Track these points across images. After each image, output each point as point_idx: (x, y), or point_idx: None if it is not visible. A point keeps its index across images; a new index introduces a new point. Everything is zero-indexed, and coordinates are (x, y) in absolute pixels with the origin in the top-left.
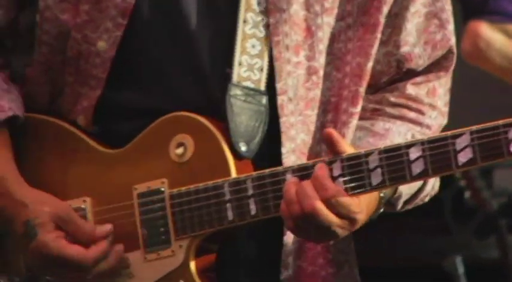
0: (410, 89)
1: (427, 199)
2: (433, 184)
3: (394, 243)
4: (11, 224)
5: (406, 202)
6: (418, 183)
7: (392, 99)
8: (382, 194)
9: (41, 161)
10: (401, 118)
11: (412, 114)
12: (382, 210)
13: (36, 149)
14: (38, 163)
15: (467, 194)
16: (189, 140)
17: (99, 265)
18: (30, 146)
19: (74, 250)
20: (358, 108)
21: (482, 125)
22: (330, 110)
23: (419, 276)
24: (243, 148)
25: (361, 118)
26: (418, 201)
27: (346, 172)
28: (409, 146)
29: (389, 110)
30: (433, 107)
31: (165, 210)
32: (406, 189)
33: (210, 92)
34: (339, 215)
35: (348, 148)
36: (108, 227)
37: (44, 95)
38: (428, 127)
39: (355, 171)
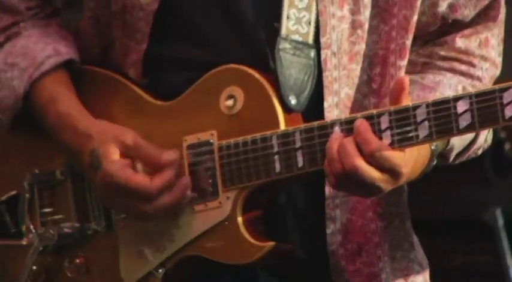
0: (460, 42)
1: (479, 152)
2: (485, 137)
3: (433, 196)
4: (79, 156)
5: (459, 154)
6: (470, 136)
7: (442, 53)
8: (433, 147)
9: (93, 111)
10: (452, 70)
11: (463, 67)
12: (435, 163)
13: (89, 99)
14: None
15: (507, 146)
16: (239, 93)
17: (163, 197)
18: (83, 96)
19: (138, 179)
20: (405, 61)
21: None
22: (378, 63)
23: (458, 228)
24: (292, 101)
25: (411, 72)
26: (470, 154)
27: (394, 125)
28: (457, 99)
29: (439, 63)
30: (485, 58)
31: (214, 162)
32: (458, 142)
33: (257, 46)
34: (382, 169)
35: (406, 103)
36: (174, 154)
37: (95, 48)
38: (479, 79)
39: (403, 124)
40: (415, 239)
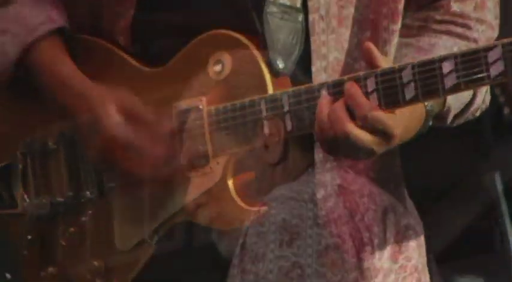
0: (455, 6)
1: (478, 113)
2: (483, 98)
3: (432, 162)
4: (77, 117)
5: (457, 116)
6: (467, 97)
7: (438, 17)
8: (429, 108)
9: None
10: (448, 33)
11: (458, 29)
12: (430, 123)
13: (80, 68)
14: None
15: (506, 110)
16: (226, 58)
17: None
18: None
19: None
20: (399, 25)
21: None
22: (368, 28)
23: (457, 193)
24: (280, 65)
25: (407, 35)
26: (468, 115)
27: (380, 87)
28: (442, 59)
29: (435, 26)
30: (481, 21)
31: (203, 128)
32: (455, 103)
33: (245, 11)
34: (374, 131)
35: (385, 64)
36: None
37: (84, 16)
38: (475, 41)
39: (389, 86)
40: (409, 204)
